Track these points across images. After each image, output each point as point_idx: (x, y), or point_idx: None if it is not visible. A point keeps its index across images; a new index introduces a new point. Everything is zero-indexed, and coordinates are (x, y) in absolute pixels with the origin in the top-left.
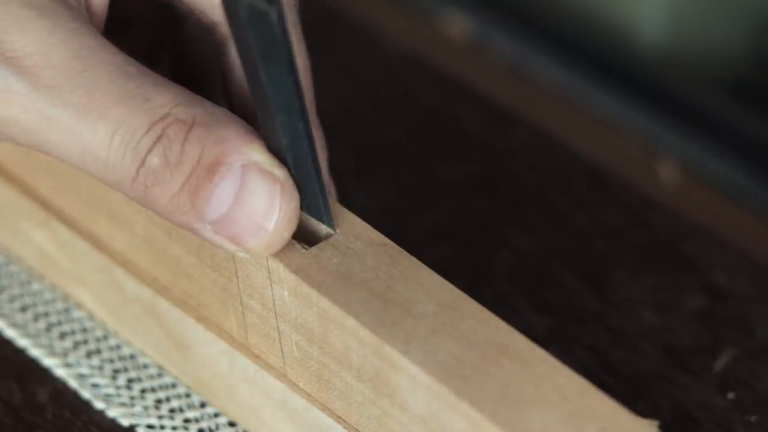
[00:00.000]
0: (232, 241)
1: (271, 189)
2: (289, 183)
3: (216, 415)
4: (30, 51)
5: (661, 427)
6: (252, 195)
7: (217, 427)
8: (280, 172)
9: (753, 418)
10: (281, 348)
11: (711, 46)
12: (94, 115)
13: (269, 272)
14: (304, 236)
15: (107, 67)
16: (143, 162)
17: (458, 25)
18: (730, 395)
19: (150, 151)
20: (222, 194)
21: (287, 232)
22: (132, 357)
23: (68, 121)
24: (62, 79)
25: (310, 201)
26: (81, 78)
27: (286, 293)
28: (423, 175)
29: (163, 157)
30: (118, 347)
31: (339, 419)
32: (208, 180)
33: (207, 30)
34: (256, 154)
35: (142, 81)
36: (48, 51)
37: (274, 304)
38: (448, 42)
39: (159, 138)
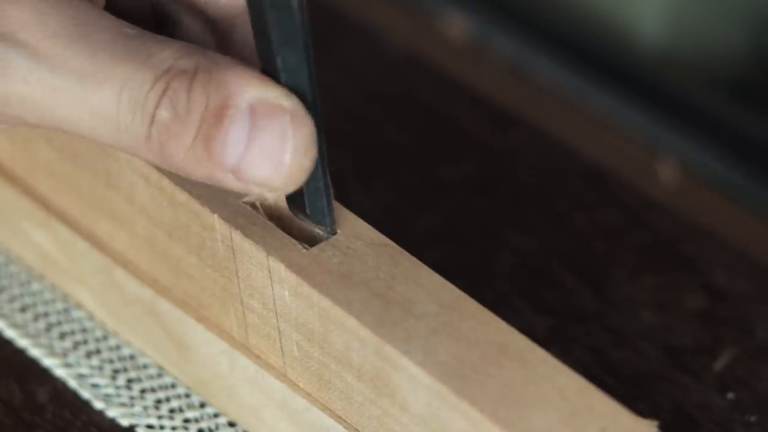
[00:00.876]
0: (256, 184)
1: (281, 121)
2: (299, 110)
3: (216, 416)
4: (26, 23)
5: (661, 427)
6: (263, 132)
7: (217, 427)
8: (288, 102)
9: (753, 418)
10: (281, 348)
11: (711, 46)
12: (99, 77)
13: (270, 272)
14: (305, 236)
15: (106, 32)
16: (153, 118)
17: (458, 26)
18: (730, 395)
19: (158, 105)
20: (235, 138)
21: (307, 161)
22: (132, 357)
23: (74, 87)
24: (62, 47)
25: (313, 201)
26: (81, 44)
27: (286, 293)
28: (423, 175)
29: (171, 109)
30: (117, 347)
31: (339, 419)
32: (218, 126)
33: (205, 27)
34: (261, 90)
35: (142, 40)
36: (45, 20)
37: (274, 304)
38: (448, 42)
39: (165, 91)
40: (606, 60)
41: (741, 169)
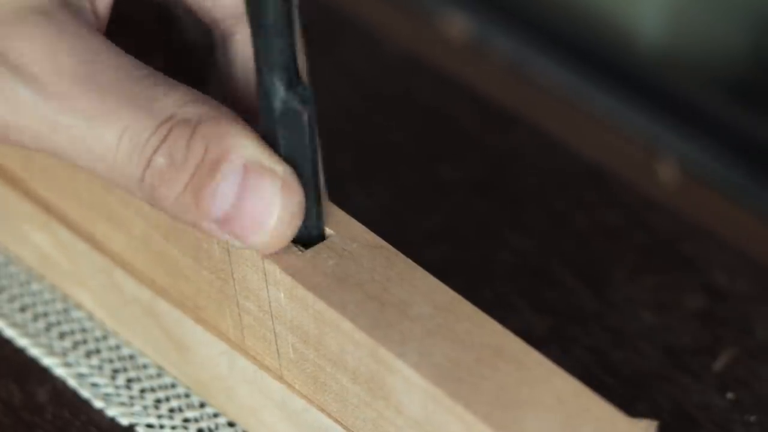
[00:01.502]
0: (237, 238)
1: (271, 185)
2: (291, 179)
3: (215, 415)
4: (37, 57)
5: (661, 427)
6: (252, 192)
7: (217, 427)
8: (280, 168)
9: (752, 418)
10: (277, 350)
11: (711, 46)
12: (101, 120)
13: (265, 274)
14: (299, 238)
15: (114, 72)
16: (149, 163)
17: (458, 25)
18: (730, 395)
19: (156, 151)
20: (225, 192)
21: (290, 229)
22: (131, 357)
23: (76, 126)
24: (69, 85)
25: (304, 239)
26: (88, 83)
27: (281, 295)
28: (422, 175)
29: (168, 156)
30: (117, 347)
31: (336, 421)
32: (210, 178)
33: (206, 28)
34: (258, 151)
35: (149, 83)
36: (55, 57)
37: (270, 306)
38: (447, 42)
39: (165, 138)
40: (606, 60)
41: (741, 169)
